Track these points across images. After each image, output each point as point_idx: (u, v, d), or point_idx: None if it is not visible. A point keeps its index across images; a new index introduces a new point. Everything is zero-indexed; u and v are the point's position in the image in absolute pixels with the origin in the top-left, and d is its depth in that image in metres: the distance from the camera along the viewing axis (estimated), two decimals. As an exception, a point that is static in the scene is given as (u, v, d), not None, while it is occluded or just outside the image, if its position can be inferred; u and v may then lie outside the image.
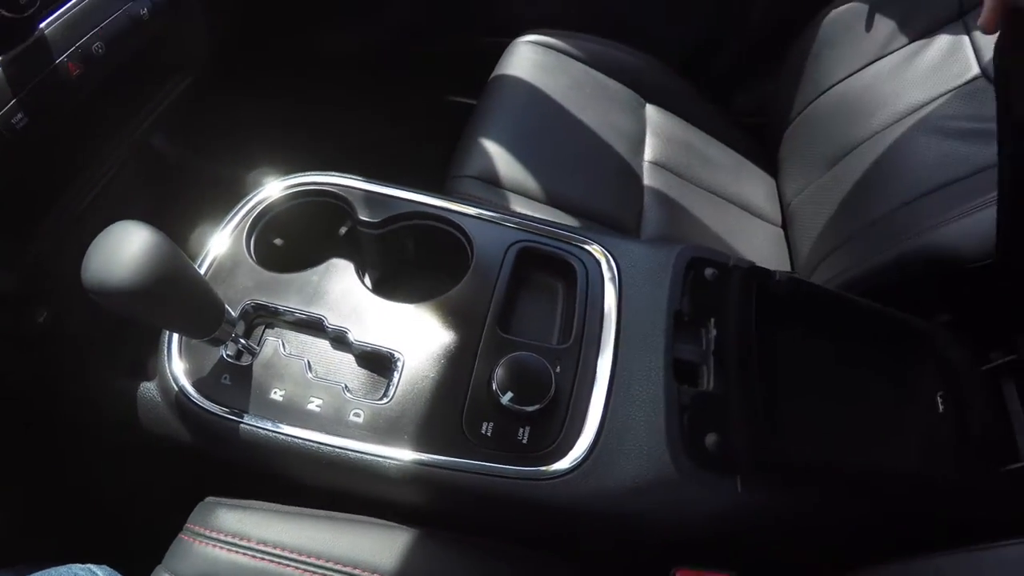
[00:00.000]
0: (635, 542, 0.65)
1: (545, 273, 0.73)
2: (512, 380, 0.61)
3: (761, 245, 1.20)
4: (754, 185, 1.30)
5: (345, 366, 0.65)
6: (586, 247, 0.72)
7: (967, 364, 0.83)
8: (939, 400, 0.77)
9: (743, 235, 1.18)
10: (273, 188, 0.74)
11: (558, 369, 0.63)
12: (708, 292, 0.70)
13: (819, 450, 0.68)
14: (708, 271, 0.71)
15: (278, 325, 0.66)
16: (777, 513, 0.63)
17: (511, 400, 0.60)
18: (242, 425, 0.60)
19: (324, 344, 0.66)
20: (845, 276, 0.99)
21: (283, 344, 0.64)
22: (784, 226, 1.27)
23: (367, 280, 0.73)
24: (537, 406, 0.60)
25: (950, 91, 1.05)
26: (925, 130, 1.04)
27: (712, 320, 0.67)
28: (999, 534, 0.83)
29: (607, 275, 0.70)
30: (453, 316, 0.66)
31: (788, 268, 1.18)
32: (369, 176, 0.76)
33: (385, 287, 0.77)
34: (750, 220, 1.23)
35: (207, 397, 0.61)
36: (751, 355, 0.66)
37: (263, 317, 0.66)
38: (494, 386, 0.61)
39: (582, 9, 1.42)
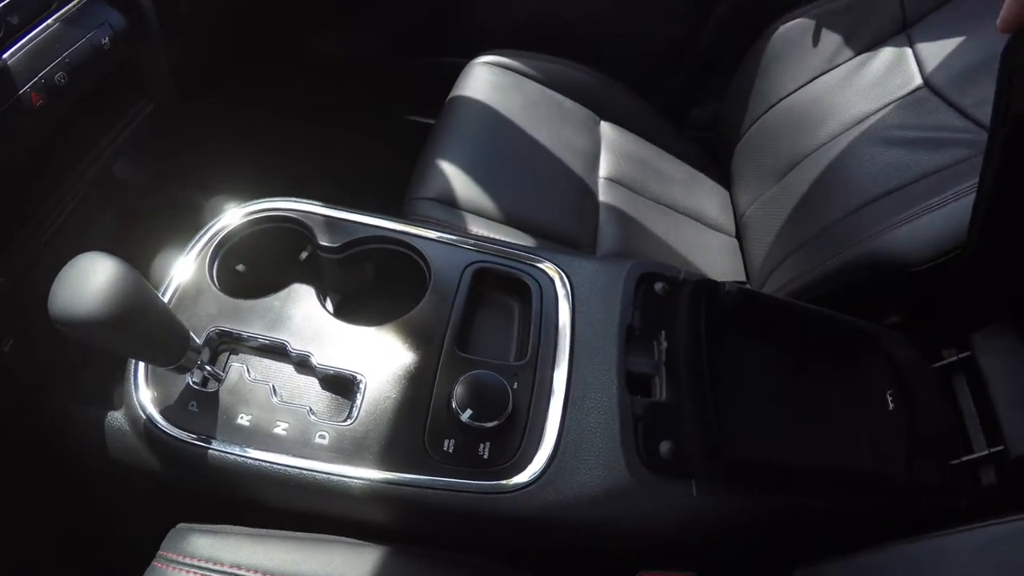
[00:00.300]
0: (597, 549, 0.67)
1: (501, 292, 0.75)
2: (471, 398, 0.63)
3: (716, 255, 1.23)
4: (708, 197, 1.34)
5: (310, 389, 0.66)
6: (540, 266, 0.75)
7: (916, 362, 0.87)
8: (889, 398, 0.80)
9: (698, 246, 1.22)
10: (234, 215, 0.75)
11: (515, 385, 0.66)
12: (659, 306, 0.73)
13: (772, 452, 0.71)
14: (658, 285, 0.74)
15: (242, 351, 0.67)
16: (734, 514, 0.66)
17: (470, 417, 0.62)
18: (210, 451, 0.61)
19: (288, 368, 0.67)
20: (796, 283, 1.03)
21: (248, 370, 0.65)
22: (738, 236, 1.30)
23: (329, 304, 0.75)
24: (496, 422, 0.62)
25: (894, 101, 1.10)
26: (870, 140, 1.08)
27: (663, 333, 0.71)
28: (952, 523, 0.88)
29: (561, 292, 0.73)
30: (412, 337, 0.68)
31: (743, 277, 1.22)
32: (332, 199, 0.77)
33: (347, 310, 0.78)
34: (705, 231, 1.26)
35: (175, 425, 0.62)
36: (701, 365, 0.69)
37: (227, 343, 0.67)
38: (454, 404, 0.63)
39: (538, 30, 1.46)
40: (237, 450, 0.61)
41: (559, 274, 0.74)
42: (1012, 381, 0.80)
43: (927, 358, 0.90)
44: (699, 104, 1.56)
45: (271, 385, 0.65)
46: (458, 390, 0.63)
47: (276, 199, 0.77)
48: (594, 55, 1.42)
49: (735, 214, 1.34)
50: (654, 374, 0.69)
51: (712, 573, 0.67)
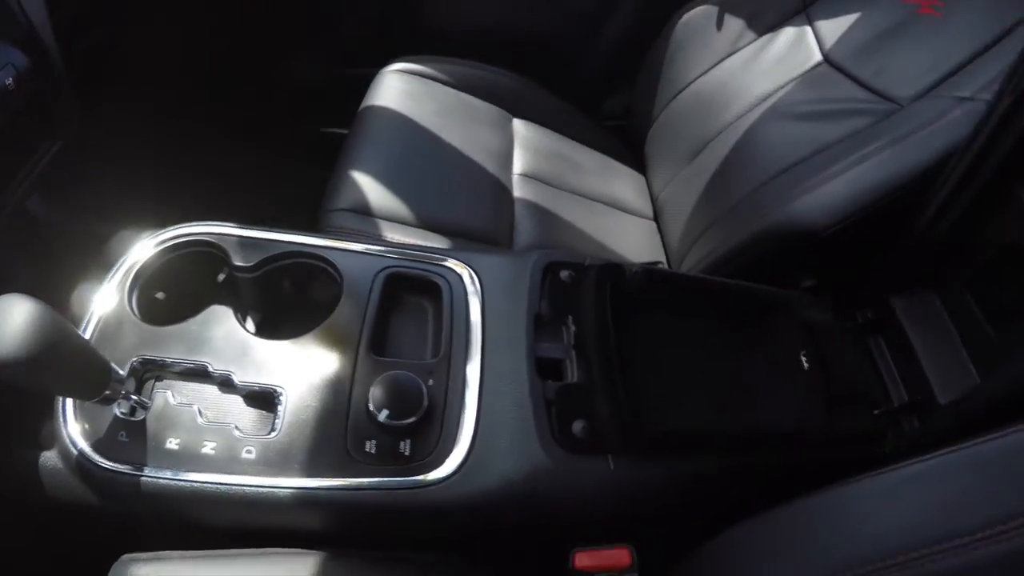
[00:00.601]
0: (525, 530, 0.70)
1: (414, 294, 0.78)
2: (386, 398, 0.65)
3: (635, 239, 1.28)
4: (624, 184, 1.39)
5: (234, 407, 0.68)
6: (449, 265, 0.78)
7: (828, 322, 0.92)
8: (803, 358, 0.85)
9: (616, 231, 1.26)
10: (149, 244, 0.76)
11: (430, 382, 0.68)
12: (565, 293, 0.76)
13: (687, 420, 0.75)
14: (564, 273, 0.77)
15: (167, 377, 0.68)
16: (654, 481, 0.70)
17: (388, 417, 0.64)
18: (143, 479, 0.62)
19: (212, 389, 0.68)
20: (712, 257, 1.08)
21: (172, 395, 0.66)
22: (656, 219, 1.35)
23: (250, 322, 0.76)
24: (412, 419, 0.65)
25: (795, 78, 1.16)
26: (774, 116, 1.14)
27: (570, 318, 0.74)
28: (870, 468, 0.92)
29: (471, 288, 0.76)
30: (329, 346, 0.70)
31: (662, 257, 1.26)
32: (250, 216, 0.79)
33: (269, 326, 0.79)
34: (622, 217, 1.31)
35: (106, 457, 0.62)
36: (609, 346, 0.72)
37: (152, 371, 0.68)
38: (371, 406, 0.65)
39: (449, 34, 1.50)
40: (169, 474, 0.62)
41: (468, 271, 0.77)
42: (933, 335, 0.85)
43: (842, 319, 0.96)
44: (611, 95, 1.60)
45: (196, 407, 0.66)
46: (374, 392, 0.65)
47: (189, 224, 0.77)
48: (506, 55, 1.45)
49: (652, 198, 1.38)
50: (564, 358, 0.72)
51: (649, 544, 0.70)
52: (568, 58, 1.56)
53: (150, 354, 0.68)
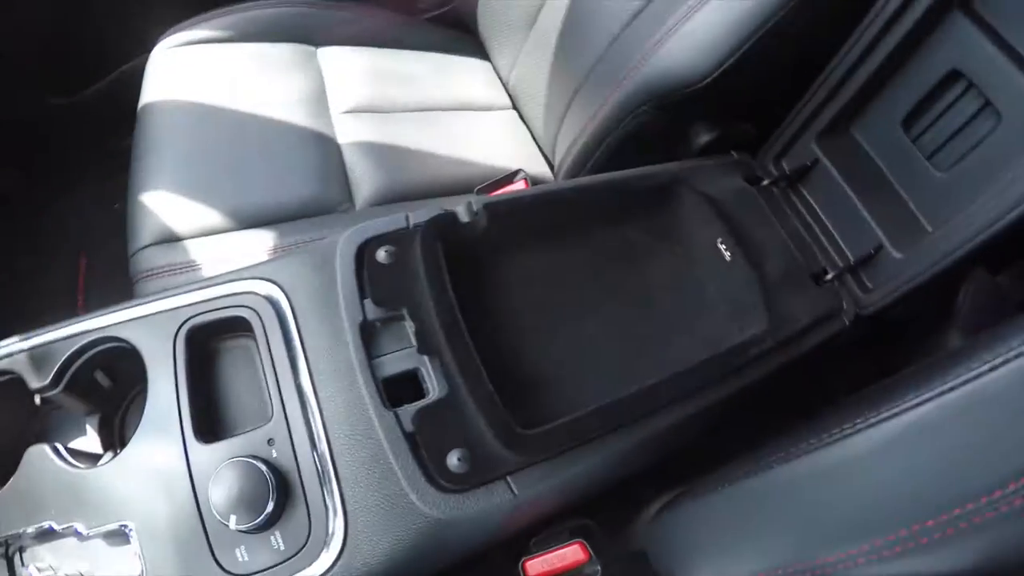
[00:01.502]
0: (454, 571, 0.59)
1: (230, 338, 0.63)
2: (227, 501, 0.52)
3: (497, 138, 1.12)
4: (469, 79, 1.21)
5: (97, 554, 0.57)
6: (252, 288, 0.62)
7: (741, 190, 0.80)
8: (721, 247, 0.73)
9: (474, 138, 1.09)
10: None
11: (274, 454, 0.55)
12: (390, 278, 0.60)
13: (596, 394, 0.61)
14: (381, 253, 0.60)
15: (27, 546, 0.58)
16: (581, 476, 0.59)
17: (238, 522, 0.52)
18: None
19: (70, 541, 0.57)
20: (585, 136, 0.94)
21: (36, 568, 0.56)
22: (515, 105, 1.19)
23: (90, 433, 0.65)
24: (264, 514, 0.52)
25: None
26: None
27: (405, 310, 0.58)
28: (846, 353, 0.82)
29: (286, 308, 0.60)
30: (155, 446, 0.57)
31: (532, 150, 1.12)
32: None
33: (108, 428, 0.67)
34: (476, 117, 1.14)
35: None
36: (460, 333, 0.58)
37: (11, 545, 0.57)
38: (216, 515, 0.53)
39: None
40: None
41: (274, 288, 0.61)
42: (868, 182, 0.76)
43: (756, 179, 0.84)
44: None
45: (59, 572, 0.56)
46: (213, 497, 0.53)
47: None
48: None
49: (503, 84, 1.21)
50: (416, 367, 0.58)
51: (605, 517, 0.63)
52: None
53: None
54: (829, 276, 0.76)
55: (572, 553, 0.64)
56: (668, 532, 0.65)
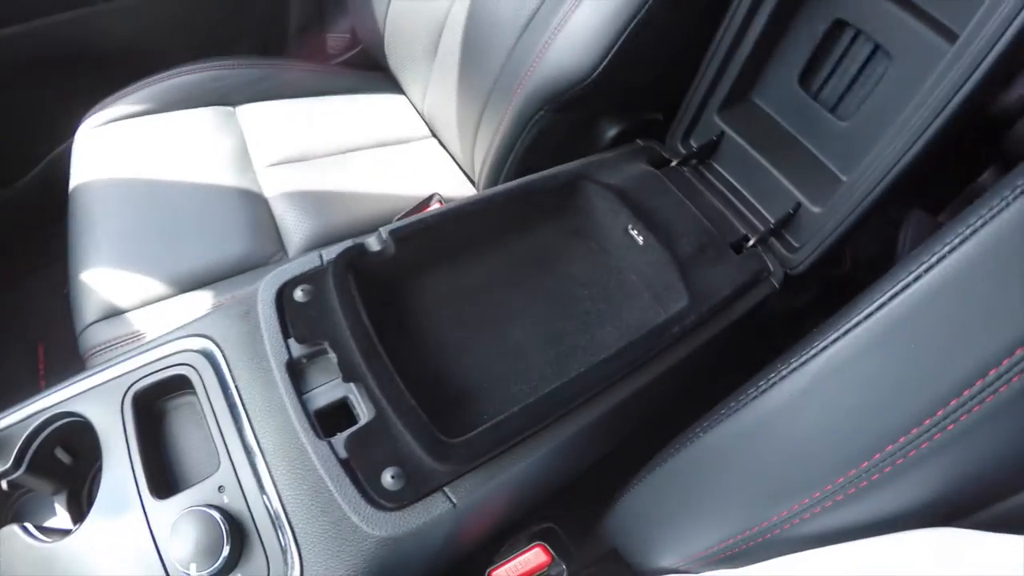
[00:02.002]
0: None
1: (175, 396, 0.66)
2: (185, 551, 0.55)
3: (421, 167, 1.16)
4: (386, 114, 1.25)
5: None
6: (188, 346, 0.65)
7: (646, 175, 0.82)
8: (632, 232, 0.74)
9: (398, 170, 1.14)
10: None
11: (225, 499, 0.57)
12: (309, 314, 0.63)
13: (522, 393, 0.64)
14: (299, 292, 0.64)
15: None
16: (514, 478, 0.60)
17: (199, 569, 0.55)
18: None
19: None
20: (495, 150, 0.98)
21: None
22: (434, 134, 1.23)
23: (58, 510, 0.66)
24: (222, 557, 0.55)
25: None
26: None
27: (327, 343, 0.61)
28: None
29: (219, 360, 0.64)
30: (116, 511, 0.59)
31: (454, 173, 1.16)
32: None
33: (76, 504, 0.68)
34: (397, 151, 1.18)
35: None
36: (377, 354, 0.60)
37: None
38: (179, 567, 0.55)
39: (131, 67, 1.26)
40: None
41: (207, 342, 0.65)
42: (774, 143, 0.78)
43: (665, 159, 0.86)
44: (325, 29, 1.43)
45: None
46: (172, 549, 0.55)
47: None
48: (193, 48, 1.28)
49: (419, 114, 1.26)
50: (344, 395, 0.60)
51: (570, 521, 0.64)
52: (258, 19, 1.38)
53: None
54: (751, 243, 0.77)
55: (534, 556, 0.64)
56: (627, 522, 0.67)
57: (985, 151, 0.87)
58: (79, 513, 0.67)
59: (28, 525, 0.61)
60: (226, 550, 0.55)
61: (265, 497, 0.57)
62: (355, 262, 0.66)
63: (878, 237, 0.92)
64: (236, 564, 0.56)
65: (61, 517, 0.66)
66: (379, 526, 0.54)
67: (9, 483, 0.64)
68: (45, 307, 1.36)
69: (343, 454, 0.56)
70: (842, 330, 0.41)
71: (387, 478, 0.55)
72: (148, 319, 0.89)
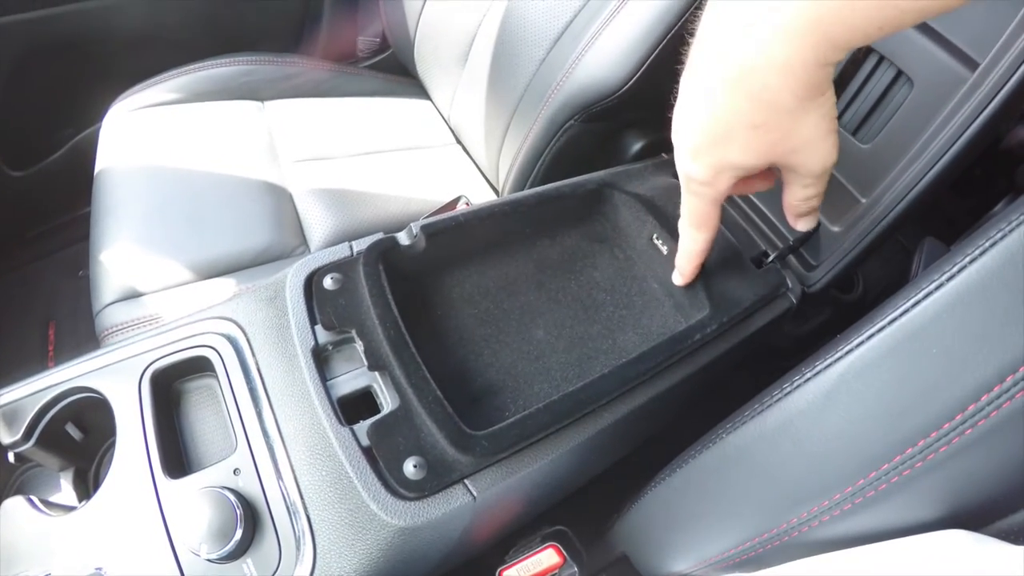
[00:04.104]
0: None
1: (194, 378, 0.65)
2: (195, 534, 0.53)
3: (444, 172, 1.16)
4: (411, 118, 1.26)
5: None
6: (211, 328, 0.65)
7: (672, 185, 0.81)
8: (656, 242, 0.74)
9: (421, 174, 1.14)
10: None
11: (240, 483, 0.57)
12: (338, 302, 0.62)
13: (545, 390, 0.64)
14: (328, 280, 0.63)
15: None
16: (534, 474, 0.59)
17: (209, 552, 0.54)
18: None
19: None
20: (522, 155, 0.99)
21: None
22: (458, 140, 1.24)
23: (64, 487, 0.65)
24: (233, 540, 0.55)
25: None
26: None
27: (354, 331, 0.60)
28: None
29: (243, 346, 0.63)
30: (126, 487, 0.58)
31: (479, 181, 1.16)
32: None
33: (83, 482, 0.67)
34: (421, 155, 1.19)
35: None
36: (406, 345, 0.59)
37: None
38: (187, 547, 0.54)
39: (159, 55, 1.28)
40: None
41: (231, 325, 0.64)
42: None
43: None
44: (357, 31, 1.45)
45: None
46: (183, 528, 0.54)
47: None
48: (223, 41, 1.29)
49: (444, 120, 1.26)
50: (369, 384, 0.60)
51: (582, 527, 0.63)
52: (292, 21, 1.39)
53: None
54: (770, 258, 0.76)
55: (547, 557, 0.63)
56: (640, 527, 0.66)
57: (999, 183, 0.89)
58: (85, 492, 0.66)
59: (33, 498, 0.60)
60: (238, 533, 0.54)
61: (281, 482, 0.57)
62: (385, 254, 0.65)
63: (890, 264, 0.92)
64: (247, 549, 0.55)
65: (66, 494, 0.66)
66: (398, 515, 0.53)
67: (16, 455, 0.64)
68: (59, 288, 1.37)
69: (365, 442, 0.55)
70: (866, 334, 0.41)
71: (409, 467, 0.54)
72: (166, 303, 0.89)
